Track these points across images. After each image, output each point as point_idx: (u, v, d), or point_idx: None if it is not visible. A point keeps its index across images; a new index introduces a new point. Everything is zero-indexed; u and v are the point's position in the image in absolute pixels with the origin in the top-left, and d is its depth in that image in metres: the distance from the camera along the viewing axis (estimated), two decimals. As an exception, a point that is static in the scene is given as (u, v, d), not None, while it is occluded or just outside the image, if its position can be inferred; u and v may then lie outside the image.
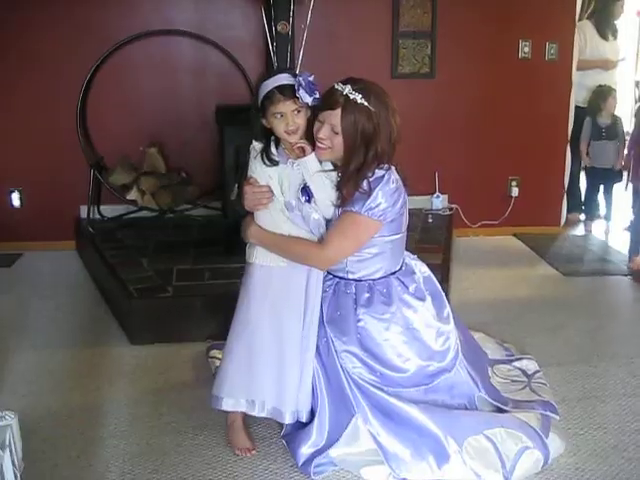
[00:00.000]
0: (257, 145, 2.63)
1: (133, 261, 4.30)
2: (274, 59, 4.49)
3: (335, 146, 2.53)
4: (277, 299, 2.66)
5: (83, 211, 5.08)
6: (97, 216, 5.10)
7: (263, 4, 4.55)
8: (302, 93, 2.49)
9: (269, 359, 2.65)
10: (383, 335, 2.66)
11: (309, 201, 2.58)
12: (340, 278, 2.74)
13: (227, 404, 2.70)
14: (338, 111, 2.48)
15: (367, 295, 2.70)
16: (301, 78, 2.48)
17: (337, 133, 2.50)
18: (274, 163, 2.59)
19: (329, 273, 2.76)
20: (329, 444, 2.59)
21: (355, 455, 2.58)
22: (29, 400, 3.10)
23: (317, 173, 2.56)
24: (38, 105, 4.96)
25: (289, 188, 2.60)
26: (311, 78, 2.50)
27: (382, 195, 2.53)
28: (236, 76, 4.99)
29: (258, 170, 2.61)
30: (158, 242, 4.64)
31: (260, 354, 2.65)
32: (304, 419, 2.67)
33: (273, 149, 2.61)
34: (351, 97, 2.47)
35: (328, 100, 2.52)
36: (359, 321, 2.66)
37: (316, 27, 4.66)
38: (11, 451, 1.91)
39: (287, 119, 2.52)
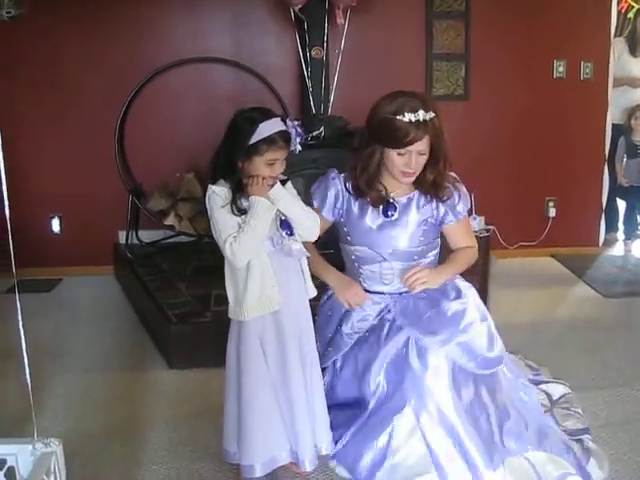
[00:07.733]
0: (218, 190, 2.41)
1: (171, 286, 4.33)
2: (309, 84, 4.54)
3: (421, 166, 2.64)
4: (274, 345, 2.48)
5: (121, 236, 5.15)
6: (135, 241, 5.15)
7: (297, 30, 4.61)
8: (295, 141, 2.44)
9: (283, 411, 2.52)
10: (468, 320, 2.69)
11: (292, 234, 2.47)
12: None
13: (261, 469, 2.51)
14: (425, 138, 2.55)
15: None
16: (294, 125, 2.42)
17: (423, 154, 2.59)
18: (242, 212, 2.40)
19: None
20: (384, 450, 2.58)
21: (405, 468, 2.56)
22: (69, 424, 3.12)
23: (291, 197, 2.46)
24: (77, 133, 5.06)
25: None
26: (297, 123, 2.46)
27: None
28: (271, 102, 5.01)
29: (227, 219, 2.41)
30: (196, 267, 4.68)
31: (276, 410, 2.51)
32: (324, 452, 2.62)
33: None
34: (428, 119, 2.52)
35: (407, 136, 2.52)
36: (448, 311, 2.70)
37: (350, 51, 4.73)
38: (55, 478, 1.93)
39: (276, 166, 2.40)
